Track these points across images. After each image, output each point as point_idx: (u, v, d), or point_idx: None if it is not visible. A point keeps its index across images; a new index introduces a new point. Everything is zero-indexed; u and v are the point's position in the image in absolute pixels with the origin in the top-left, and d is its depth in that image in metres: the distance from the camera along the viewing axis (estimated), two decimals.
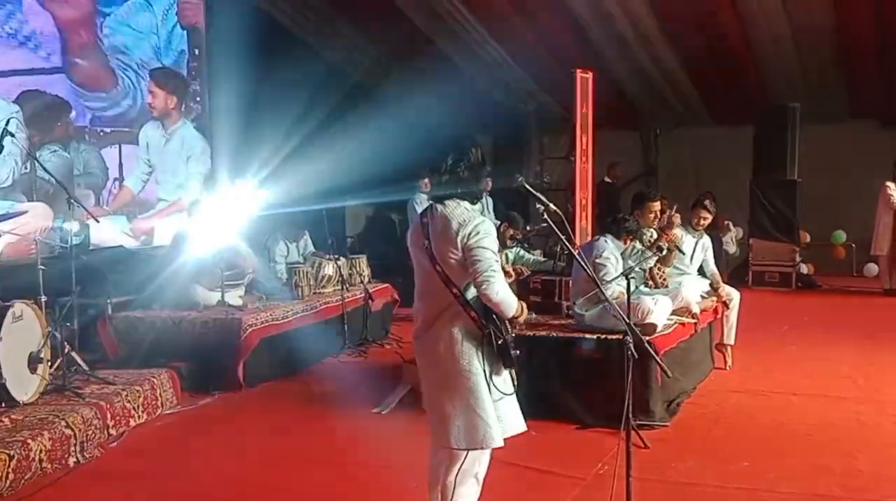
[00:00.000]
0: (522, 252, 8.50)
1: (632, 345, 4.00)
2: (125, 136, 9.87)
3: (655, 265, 6.64)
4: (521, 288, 7.28)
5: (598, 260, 6.14)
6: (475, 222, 3.45)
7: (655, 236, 6.65)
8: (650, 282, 6.57)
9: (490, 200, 11.45)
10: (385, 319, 9.37)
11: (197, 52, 11.00)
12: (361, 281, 9.05)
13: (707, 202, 7.54)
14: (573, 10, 12.03)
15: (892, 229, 11.80)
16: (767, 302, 11.43)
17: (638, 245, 6.61)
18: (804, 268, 13.20)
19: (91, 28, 9.34)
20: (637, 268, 6.30)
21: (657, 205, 6.90)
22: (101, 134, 9.56)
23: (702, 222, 7.44)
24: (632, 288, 5.53)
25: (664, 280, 6.71)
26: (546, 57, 13.20)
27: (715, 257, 7.80)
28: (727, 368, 7.44)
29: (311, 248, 9.26)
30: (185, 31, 10.77)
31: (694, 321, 6.68)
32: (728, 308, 7.42)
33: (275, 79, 11.56)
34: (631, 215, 6.78)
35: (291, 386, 7.26)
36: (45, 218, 8.22)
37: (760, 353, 8.00)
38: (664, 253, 6.60)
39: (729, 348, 7.50)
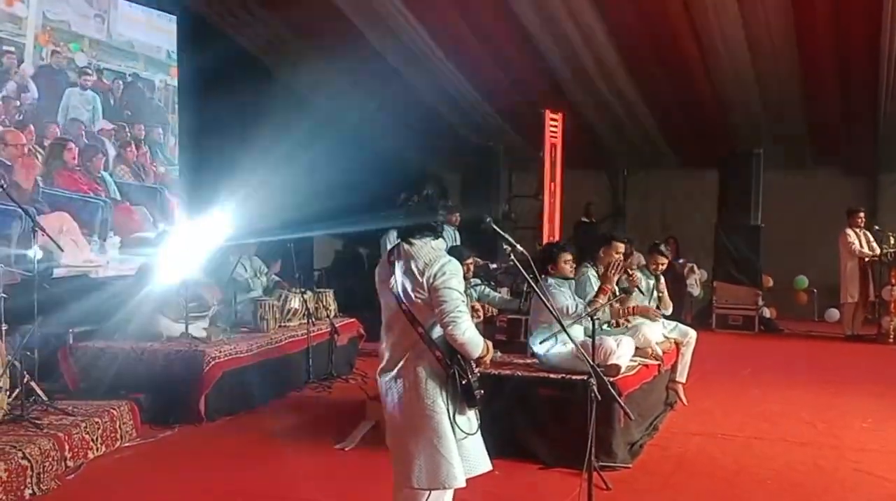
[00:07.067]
0: (487, 290, 8.50)
1: (595, 387, 4.02)
2: None
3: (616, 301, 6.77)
4: (487, 326, 7.32)
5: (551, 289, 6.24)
6: (441, 262, 3.47)
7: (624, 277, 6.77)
8: (612, 321, 6.67)
9: (458, 234, 11.50)
10: (350, 354, 9.33)
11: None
12: (328, 316, 9.01)
13: (662, 247, 7.72)
14: (543, 52, 12.20)
15: (858, 275, 11.97)
16: (730, 344, 11.54)
17: (593, 280, 6.73)
18: (766, 312, 13.36)
19: None
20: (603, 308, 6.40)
21: (622, 247, 7.02)
22: None
23: (659, 267, 7.59)
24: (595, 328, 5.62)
25: (626, 320, 6.83)
26: (516, 97, 13.36)
27: (679, 298, 7.92)
28: (684, 404, 7.51)
29: (265, 269, 9.18)
30: None
31: (658, 362, 6.75)
32: (684, 345, 7.51)
33: (242, 110, 11.61)
34: (595, 253, 7.00)
35: (254, 421, 7.19)
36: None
37: (722, 396, 8.07)
38: (624, 294, 6.74)
39: (681, 386, 7.57)
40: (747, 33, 11.19)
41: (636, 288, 7.01)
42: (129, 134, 10.38)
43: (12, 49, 8.72)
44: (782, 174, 13.98)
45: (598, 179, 16.17)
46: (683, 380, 7.56)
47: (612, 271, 6.33)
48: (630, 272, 6.97)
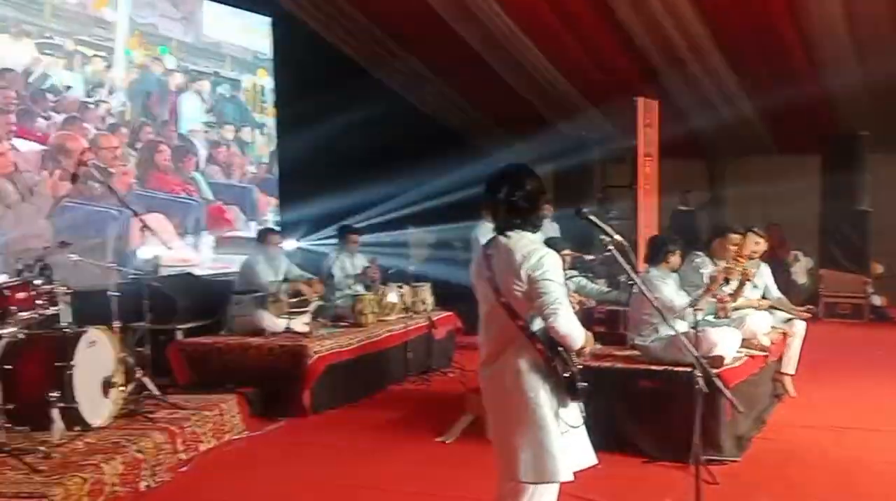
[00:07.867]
0: (584, 281, 8.40)
1: (701, 379, 3.94)
2: None
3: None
4: (586, 318, 7.23)
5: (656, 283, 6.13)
6: (539, 254, 3.43)
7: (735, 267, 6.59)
8: (720, 313, 6.49)
9: (556, 225, 11.39)
10: (448, 347, 9.38)
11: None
12: (425, 309, 9.08)
13: (756, 228, 7.40)
14: (635, 40, 12.00)
15: None
16: (839, 334, 11.15)
17: (706, 272, 6.58)
18: (877, 300, 12.85)
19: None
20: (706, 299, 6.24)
21: (737, 238, 6.89)
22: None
23: (755, 250, 7.32)
24: (699, 318, 5.49)
25: (728, 312, 6.64)
26: (609, 85, 13.16)
27: (785, 287, 7.68)
28: (792, 396, 7.30)
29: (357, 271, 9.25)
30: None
31: (765, 354, 6.58)
32: (791, 336, 7.29)
33: (339, 109, 11.76)
34: (708, 244, 6.93)
35: (356, 413, 7.30)
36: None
37: (832, 387, 7.81)
38: (733, 285, 6.55)
39: (788, 377, 7.35)
40: (846, 9, 10.75)
41: (748, 281, 6.82)
42: (218, 134, 10.62)
43: (102, 54, 8.99)
44: (889, 157, 13.40)
45: (696, 167, 15.80)
46: (791, 372, 7.35)
47: (723, 275, 6.21)
48: (743, 266, 6.79)
